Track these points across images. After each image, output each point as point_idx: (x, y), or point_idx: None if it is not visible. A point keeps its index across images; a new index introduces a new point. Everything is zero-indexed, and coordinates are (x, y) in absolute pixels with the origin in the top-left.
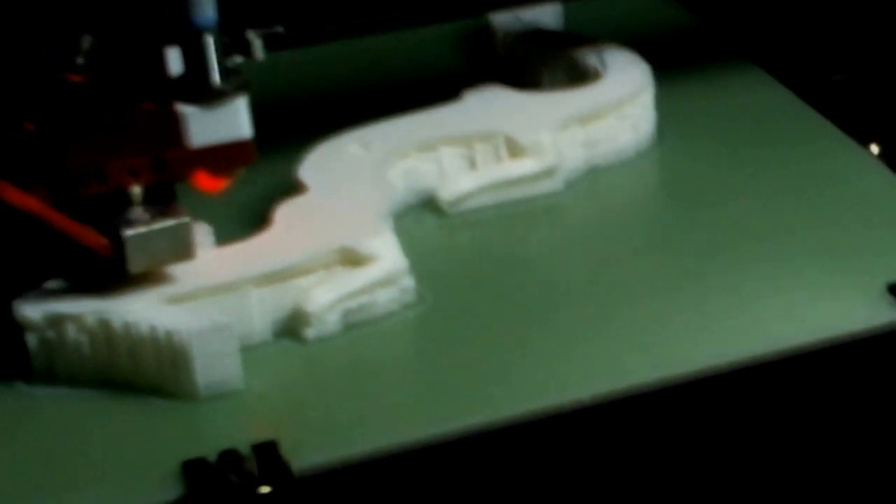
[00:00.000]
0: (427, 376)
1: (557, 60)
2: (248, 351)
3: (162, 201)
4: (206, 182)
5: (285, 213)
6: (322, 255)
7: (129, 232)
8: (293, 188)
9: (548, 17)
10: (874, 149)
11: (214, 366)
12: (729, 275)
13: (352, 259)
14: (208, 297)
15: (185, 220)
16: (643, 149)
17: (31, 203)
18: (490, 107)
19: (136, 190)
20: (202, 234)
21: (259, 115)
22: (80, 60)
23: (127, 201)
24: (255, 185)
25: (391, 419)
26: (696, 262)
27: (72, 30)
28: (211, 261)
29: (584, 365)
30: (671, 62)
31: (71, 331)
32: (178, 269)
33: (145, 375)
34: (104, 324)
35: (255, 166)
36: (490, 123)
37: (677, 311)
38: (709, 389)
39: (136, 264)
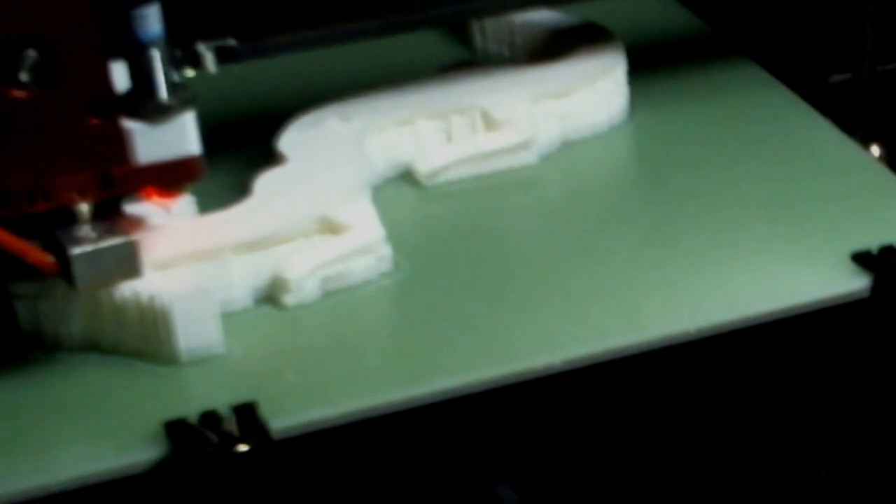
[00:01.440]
0: (403, 341)
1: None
2: (229, 317)
3: (109, 217)
4: (154, 198)
5: (265, 184)
6: (301, 223)
7: (76, 250)
8: (273, 159)
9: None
10: (875, 150)
11: (196, 330)
12: (697, 244)
13: (330, 228)
14: (190, 263)
15: (133, 238)
16: (616, 123)
17: None
18: (466, 81)
19: (83, 207)
20: (184, 203)
21: (238, 86)
22: (23, 76)
23: (74, 218)
24: (235, 156)
25: (367, 383)
26: (665, 232)
27: (14, 44)
28: (193, 229)
29: (556, 331)
30: (671, 61)
31: (57, 297)
32: (161, 237)
33: (129, 340)
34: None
35: (235, 137)
36: (466, 98)
37: (647, 279)
38: (677, 356)
39: (83, 283)
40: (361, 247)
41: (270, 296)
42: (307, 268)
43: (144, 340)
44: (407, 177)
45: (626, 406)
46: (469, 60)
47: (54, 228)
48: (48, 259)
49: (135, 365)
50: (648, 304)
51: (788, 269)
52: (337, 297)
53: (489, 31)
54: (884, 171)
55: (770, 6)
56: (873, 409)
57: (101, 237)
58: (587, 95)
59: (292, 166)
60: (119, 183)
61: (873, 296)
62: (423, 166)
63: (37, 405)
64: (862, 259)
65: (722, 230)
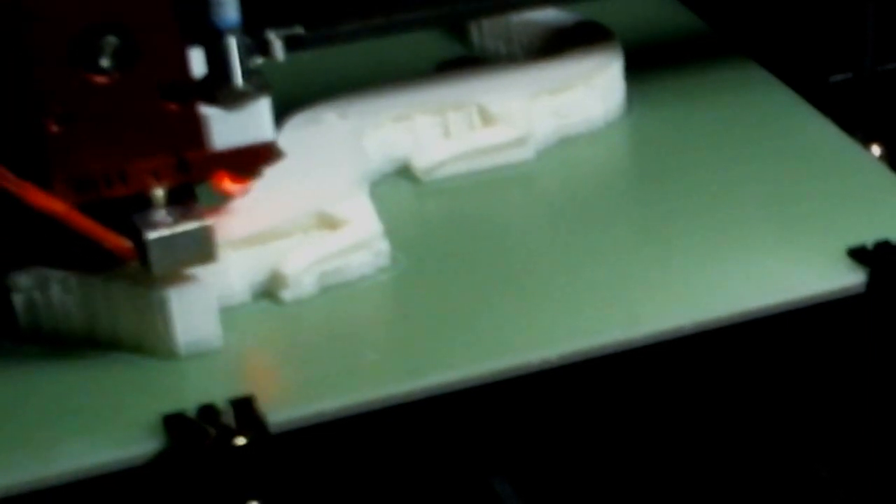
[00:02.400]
0: (400, 336)
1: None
2: (227, 311)
3: (183, 203)
4: (227, 184)
5: (263, 179)
6: (299, 219)
7: (152, 235)
8: None
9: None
10: (875, 150)
11: (194, 324)
12: (694, 239)
13: (328, 223)
14: None
15: (208, 222)
16: (612, 119)
17: (54, 204)
18: (464, 78)
19: (159, 192)
20: None
21: None
22: (104, 61)
23: (149, 203)
24: None
25: (364, 377)
26: (661, 228)
27: (96, 31)
28: None
29: (552, 325)
30: (671, 60)
31: (56, 291)
32: None
33: (127, 333)
34: (87, 283)
35: None
36: (464, 94)
37: (643, 274)
38: (673, 351)
39: (159, 267)
40: (359, 242)
41: (268, 290)
42: (305, 263)
43: (143, 334)
44: (404, 172)
45: (622, 401)
46: (466, 57)
47: (131, 213)
48: (125, 243)
49: (133, 358)
50: (644, 298)
51: (784, 264)
52: (334, 292)
53: (486, 27)
54: (880, 167)
55: (770, 6)
56: (869, 403)
57: (176, 221)
58: (584, 92)
59: (290, 162)
60: (195, 168)
61: (869, 291)
62: (421, 162)
63: (35, 398)
64: (858, 254)
65: (718, 226)
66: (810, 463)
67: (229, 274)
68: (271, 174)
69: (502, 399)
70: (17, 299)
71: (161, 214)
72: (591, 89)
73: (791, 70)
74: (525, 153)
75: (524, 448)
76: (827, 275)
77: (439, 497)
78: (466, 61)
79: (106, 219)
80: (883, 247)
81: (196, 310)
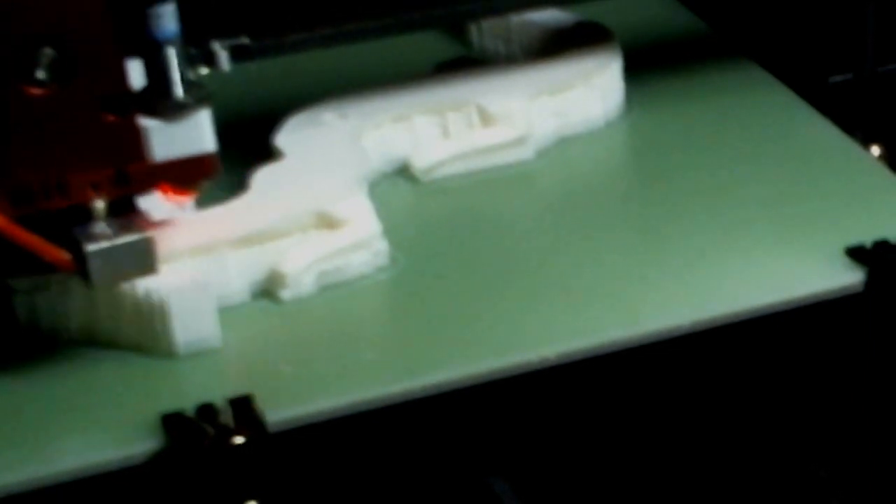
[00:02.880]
0: (398, 335)
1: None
2: (226, 310)
3: (124, 215)
4: (170, 195)
5: (262, 179)
6: (298, 218)
7: (91, 247)
8: (270, 155)
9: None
10: (875, 150)
11: (193, 324)
12: (692, 239)
13: (327, 223)
14: (188, 258)
15: (149, 234)
16: (612, 119)
17: None
18: (463, 78)
19: (99, 204)
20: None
21: (236, 83)
22: (40, 73)
23: (89, 215)
24: (233, 152)
25: (363, 376)
26: (660, 227)
27: (33, 42)
28: (191, 223)
29: (551, 324)
30: (671, 60)
31: (55, 292)
32: (160, 232)
33: (126, 334)
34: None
35: (233, 134)
36: (463, 94)
37: (642, 273)
38: (672, 349)
39: (99, 279)
40: (358, 242)
41: (267, 290)
42: (304, 262)
43: (142, 334)
44: (403, 172)
45: (621, 399)
46: (466, 57)
47: (70, 225)
48: (64, 255)
49: (132, 358)
50: (643, 297)
51: (783, 263)
52: (333, 292)
53: (486, 28)
54: (878, 167)
55: (770, 6)
56: (867, 401)
57: (116, 234)
58: (583, 92)
59: (289, 162)
60: (135, 180)
61: (867, 290)
62: (420, 162)
63: (35, 398)
64: (856, 253)
65: (716, 225)
66: (808, 462)
67: (228, 273)
68: (271, 174)
69: (501, 398)
70: (18, 300)
71: (101, 226)
72: (590, 89)
73: (791, 70)
74: (524, 153)
75: (522, 447)
76: (825, 274)
77: (437, 497)
78: (466, 62)
79: (49, 231)
80: (881, 246)
81: (195, 309)
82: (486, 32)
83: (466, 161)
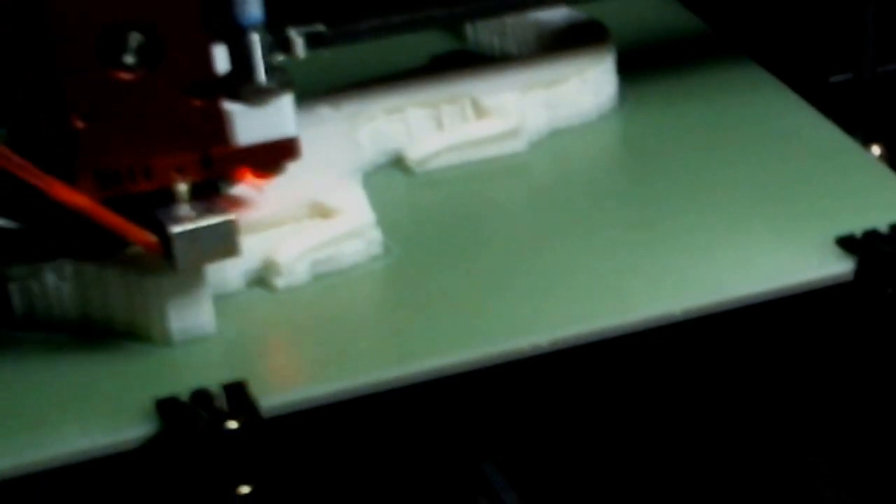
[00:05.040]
0: (391, 323)
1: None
2: (221, 298)
3: (206, 198)
4: (250, 179)
5: None
6: (292, 208)
7: (176, 229)
8: None
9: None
10: (875, 150)
11: (188, 311)
12: (683, 229)
13: (321, 212)
14: None
15: (231, 216)
16: (604, 112)
17: (79, 199)
18: (457, 71)
19: (183, 187)
20: None
21: None
22: (128, 58)
23: (173, 198)
24: None
25: (356, 363)
26: (652, 217)
27: (121, 28)
28: None
29: (543, 312)
30: (670, 60)
31: (51, 279)
32: None
33: (122, 320)
34: (81, 271)
35: None
36: (457, 86)
37: (633, 262)
38: (662, 337)
39: (184, 261)
40: (351, 231)
41: (262, 278)
42: (298, 251)
43: (137, 320)
44: (397, 164)
45: (613, 386)
46: (460, 51)
47: (155, 208)
48: (150, 238)
49: (127, 344)
50: (634, 286)
51: (773, 252)
52: (327, 280)
53: (480, 22)
54: (869, 157)
55: (770, 6)
56: (857, 389)
57: (200, 216)
58: (576, 85)
59: None
60: (218, 163)
61: (857, 279)
62: (414, 153)
63: (31, 384)
64: (846, 243)
65: (708, 215)
66: (798, 449)
67: (223, 262)
68: None
69: (493, 385)
70: (13, 287)
71: (185, 209)
72: (583, 82)
73: (791, 70)
74: (517, 145)
75: (514, 434)
76: (816, 263)
77: (430, 482)
78: (460, 55)
79: (130, 213)
80: (871, 236)
81: (190, 297)
82: (480, 27)
83: (460, 152)
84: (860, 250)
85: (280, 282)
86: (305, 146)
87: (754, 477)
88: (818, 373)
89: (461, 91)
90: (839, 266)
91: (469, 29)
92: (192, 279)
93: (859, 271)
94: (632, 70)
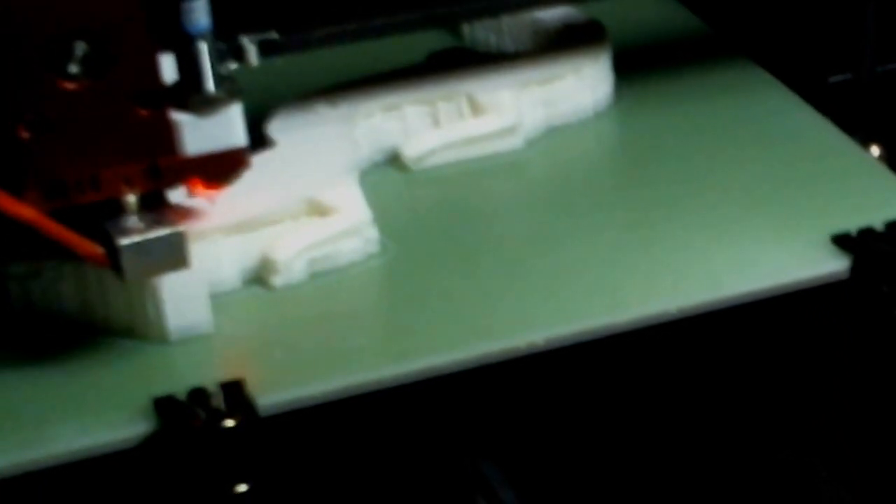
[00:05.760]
0: (388, 321)
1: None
2: (218, 297)
3: (155, 209)
4: (200, 190)
5: (254, 167)
6: (289, 206)
7: (124, 241)
8: (262, 143)
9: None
10: (875, 150)
11: (185, 310)
12: (679, 226)
13: (318, 210)
14: None
15: (181, 228)
16: (601, 109)
17: (25, 211)
18: (454, 68)
19: (131, 198)
20: None
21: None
22: (73, 67)
23: (121, 209)
24: None
25: (353, 361)
26: (647, 215)
27: (66, 37)
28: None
29: (539, 310)
30: (670, 60)
31: (49, 277)
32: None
33: (119, 319)
34: (79, 269)
35: None
36: (453, 84)
37: (629, 260)
38: (658, 335)
39: (132, 273)
40: (348, 229)
41: (258, 276)
42: (295, 249)
43: (135, 319)
44: (394, 161)
45: (609, 384)
46: (457, 48)
47: (102, 219)
48: (97, 249)
49: (125, 343)
50: (630, 284)
51: (769, 250)
52: (324, 278)
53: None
54: (866, 156)
55: (770, 6)
56: (852, 387)
57: (148, 227)
58: (573, 82)
59: (281, 150)
60: (167, 174)
61: (852, 277)
62: (410, 150)
63: (28, 382)
64: (841, 241)
65: (703, 213)
66: (793, 446)
67: (220, 260)
68: (262, 162)
69: (490, 383)
70: (12, 286)
71: (133, 220)
72: (579, 80)
73: (790, 70)
74: (514, 142)
75: (512, 432)
76: (811, 261)
77: (428, 480)
78: (457, 53)
79: (77, 225)
80: (866, 234)
81: (187, 295)
82: (477, 24)
83: (457, 150)
84: (856, 248)
85: (277, 280)
86: (302, 144)
87: (751, 474)
88: (814, 370)
89: (458, 88)
90: (835, 264)
91: (465, 26)
92: (190, 278)
93: (855, 269)
94: (631, 69)
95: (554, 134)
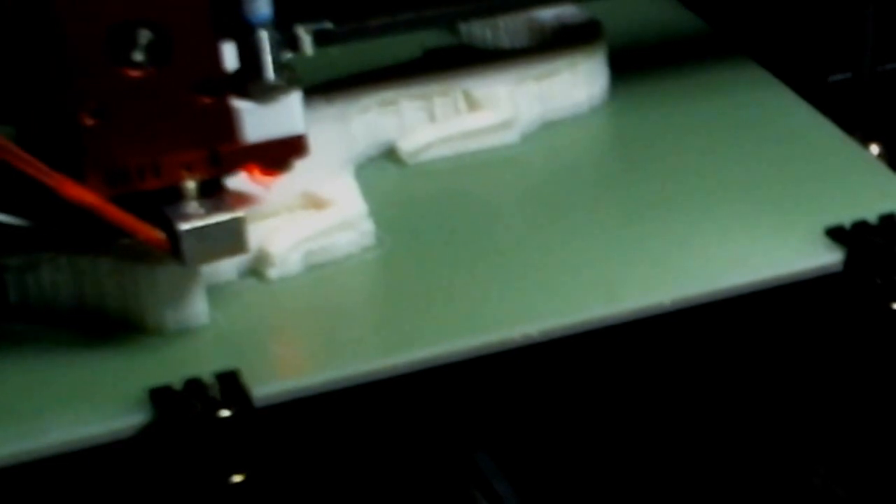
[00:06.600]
0: (383, 313)
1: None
2: (214, 288)
3: (214, 195)
4: (258, 176)
5: None
6: (285, 199)
7: (184, 226)
8: None
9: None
10: (875, 149)
11: (181, 301)
12: (674, 219)
13: (313, 203)
14: None
15: (240, 213)
16: (597, 104)
17: (88, 197)
18: (450, 64)
19: (191, 184)
20: None
21: None
22: (138, 56)
23: (181, 195)
24: None
25: (348, 352)
26: (643, 209)
27: (131, 25)
28: None
29: (534, 303)
30: (670, 60)
31: (46, 269)
32: None
33: (116, 310)
34: (76, 262)
35: None
36: (450, 79)
37: (624, 253)
38: (652, 327)
39: (192, 258)
40: (344, 222)
41: (255, 269)
42: (291, 242)
43: (131, 310)
44: (390, 155)
45: (603, 376)
46: (454, 45)
47: (163, 205)
48: (159, 235)
49: (122, 334)
50: (625, 276)
51: (763, 243)
52: (320, 271)
53: None
54: (863, 152)
55: (770, 6)
56: (845, 380)
57: (208, 213)
58: (568, 77)
59: None
60: (227, 160)
61: (846, 270)
62: (406, 145)
63: (25, 373)
64: (835, 234)
65: (698, 206)
66: (786, 440)
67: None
68: None
69: (485, 375)
70: (8, 278)
71: (193, 206)
72: (575, 75)
73: (791, 70)
74: (510, 137)
75: (507, 424)
76: (805, 254)
77: (423, 472)
78: (453, 49)
79: (139, 210)
80: (860, 227)
81: (183, 287)
82: (473, 21)
83: (452, 144)
84: (849, 241)
85: (273, 272)
86: None
87: (744, 467)
88: (807, 363)
89: (454, 84)
90: (828, 257)
91: (462, 23)
92: (186, 270)
93: (848, 262)
94: (629, 67)
95: (549, 129)
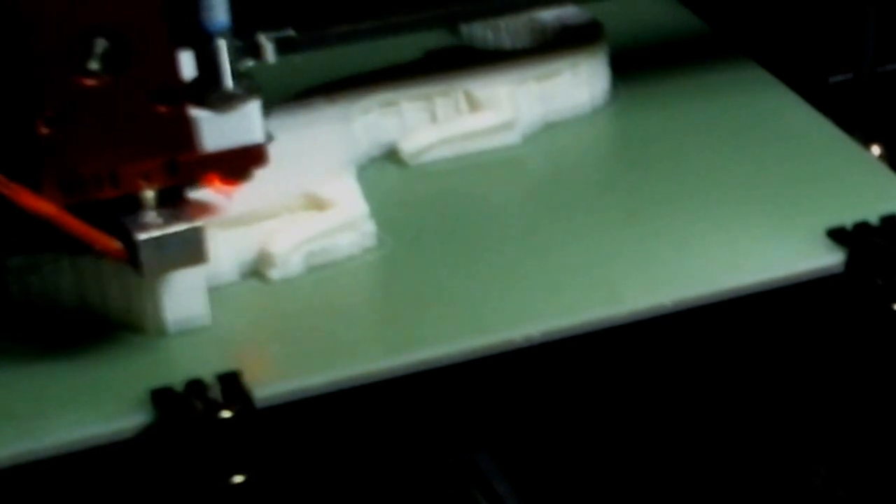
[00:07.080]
0: (385, 314)
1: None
2: (216, 290)
3: (173, 204)
4: (217, 186)
5: None
6: (286, 200)
7: (142, 236)
8: None
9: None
10: (875, 150)
11: (183, 302)
12: (675, 221)
13: (315, 204)
14: None
15: (199, 224)
16: (598, 105)
17: (44, 206)
18: (451, 64)
19: (149, 194)
20: None
21: None
22: (93, 64)
23: (139, 205)
24: None
25: (349, 353)
26: (644, 210)
27: (87, 33)
28: None
29: (535, 303)
30: (670, 60)
31: (48, 271)
32: None
33: (117, 311)
34: (78, 263)
35: None
36: (451, 80)
37: (625, 254)
38: (653, 328)
39: (150, 268)
40: (345, 222)
41: (256, 270)
42: (292, 243)
43: (132, 312)
44: (391, 156)
45: (604, 377)
46: (455, 46)
47: (121, 214)
48: (116, 244)
49: (123, 335)
50: (626, 277)
51: (765, 244)
52: (321, 272)
53: None
54: (864, 153)
55: (770, 6)
56: (847, 380)
57: (167, 223)
58: (570, 78)
59: (279, 145)
60: (185, 170)
61: (847, 271)
62: (408, 146)
63: (26, 374)
64: (837, 235)
65: (699, 207)
66: (787, 440)
67: (218, 253)
68: None
69: (486, 376)
70: (10, 279)
71: (151, 216)
72: (576, 76)
73: (791, 70)
74: (511, 137)
75: (507, 425)
76: (806, 255)
77: (423, 472)
78: (454, 50)
79: (95, 220)
80: (861, 228)
81: (184, 288)
82: (474, 21)
83: (454, 145)
84: (851, 242)
85: (274, 273)
86: (300, 139)
87: (745, 467)
88: (809, 364)
89: (455, 84)
90: (830, 258)
91: (463, 24)
92: (187, 271)
93: (850, 263)
94: (630, 68)
95: (551, 130)
